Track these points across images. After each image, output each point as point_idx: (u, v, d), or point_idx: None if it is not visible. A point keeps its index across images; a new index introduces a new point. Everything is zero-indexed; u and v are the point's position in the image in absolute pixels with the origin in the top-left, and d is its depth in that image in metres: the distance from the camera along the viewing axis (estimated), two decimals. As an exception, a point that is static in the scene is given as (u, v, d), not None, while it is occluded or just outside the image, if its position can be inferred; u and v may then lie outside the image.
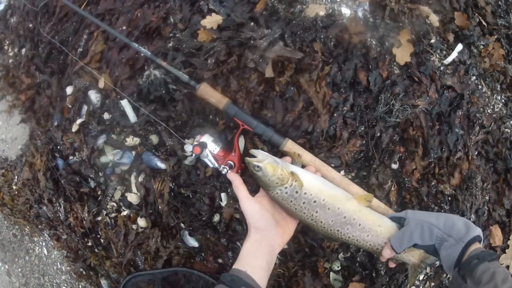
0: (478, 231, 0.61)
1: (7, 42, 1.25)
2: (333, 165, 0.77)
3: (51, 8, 1.08)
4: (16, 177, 1.22)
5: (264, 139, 0.78)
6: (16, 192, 1.22)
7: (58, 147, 1.01)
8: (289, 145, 0.75)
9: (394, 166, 0.83)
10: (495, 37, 1.09)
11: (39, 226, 1.19)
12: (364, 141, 0.81)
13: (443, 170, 0.87)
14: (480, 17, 1.09)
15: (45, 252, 1.19)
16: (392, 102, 0.84)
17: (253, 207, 0.65)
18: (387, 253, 0.65)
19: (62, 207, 1.00)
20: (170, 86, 0.84)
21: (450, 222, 0.62)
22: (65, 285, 1.17)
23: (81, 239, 1.01)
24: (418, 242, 0.62)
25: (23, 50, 1.16)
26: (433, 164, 0.85)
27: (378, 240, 0.67)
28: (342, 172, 0.81)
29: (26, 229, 1.23)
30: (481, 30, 1.07)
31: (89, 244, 1.01)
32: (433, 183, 0.85)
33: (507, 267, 1.00)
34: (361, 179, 0.82)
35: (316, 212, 0.65)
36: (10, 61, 1.22)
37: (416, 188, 0.84)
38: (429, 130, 0.87)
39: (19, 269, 1.31)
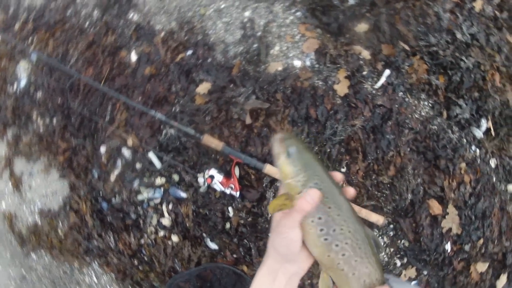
0: None
1: (35, 113, 1.88)
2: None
3: (75, 85, 1.72)
4: (60, 223, 1.85)
5: (250, 166, 1.42)
6: (63, 236, 1.84)
7: (100, 193, 1.65)
8: (268, 168, 1.39)
9: (343, 170, 1.47)
10: (418, 56, 1.75)
11: (87, 259, 1.81)
12: (319, 157, 1.46)
13: (380, 166, 1.51)
14: (403, 43, 1.75)
15: (95, 280, 1.81)
16: (336, 126, 1.49)
17: (294, 235, 0.60)
18: None
19: (111, 237, 1.63)
20: (182, 139, 1.49)
21: None
22: (114, 302, 1.80)
23: (129, 260, 1.64)
24: None
25: (54, 120, 1.79)
26: (371, 164, 1.50)
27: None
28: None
29: (75, 263, 1.85)
30: (406, 54, 1.73)
31: (135, 263, 1.64)
32: (374, 177, 1.50)
33: (450, 229, 1.65)
34: (322, 182, 1.46)
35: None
36: (41, 129, 1.85)
37: (362, 183, 1.49)
38: (366, 140, 1.52)
39: (70, 299, 1.93)
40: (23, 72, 1.96)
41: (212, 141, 1.42)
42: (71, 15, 1.89)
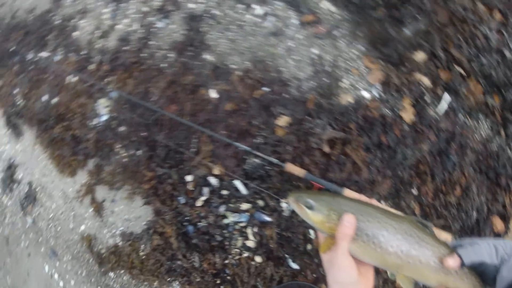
0: None
1: (118, 146, 2.22)
2: (374, 199, 1.67)
3: (159, 120, 2.05)
4: (142, 245, 2.15)
5: (331, 191, 1.70)
6: (144, 257, 2.14)
7: (186, 218, 1.95)
8: (347, 192, 1.66)
9: (414, 192, 1.72)
10: (473, 78, 2.01)
11: (168, 279, 2.10)
12: (391, 179, 1.72)
13: (447, 187, 1.76)
14: (458, 67, 2.02)
15: (175, 297, 2.09)
16: (405, 151, 1.76)
17: (348, 262, 0.71)
18: (452, 261, 0.73)
19: (196, 258, 1.92)
20: (266, 168, 1.78)
21: (509, 244, 0.75)
22: (194, 320, 2.06)
23: (212, 279, 1.92)
24: (486, 260, 0.72)
25: (139, 152, 2.11)
26: (439, 185, 1.75)
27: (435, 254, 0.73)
28: (382, 202, 1.71)
29: (155, 283, 2.14)
30: (461, 77, 1.99)
31: (218, 282, 1.92)
32: (442, 197, 1.74)
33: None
34: (395, 204, 1.72)
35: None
36: (124, 160, 2.18)
37: (432, 203, 1.73)
38: (433, 163, 1.77)
39: (149, 318, 2.21)
40: (103, 108, 2.31)
41: (295, 169, 1.71)
42: (146, 57, 2.24)
